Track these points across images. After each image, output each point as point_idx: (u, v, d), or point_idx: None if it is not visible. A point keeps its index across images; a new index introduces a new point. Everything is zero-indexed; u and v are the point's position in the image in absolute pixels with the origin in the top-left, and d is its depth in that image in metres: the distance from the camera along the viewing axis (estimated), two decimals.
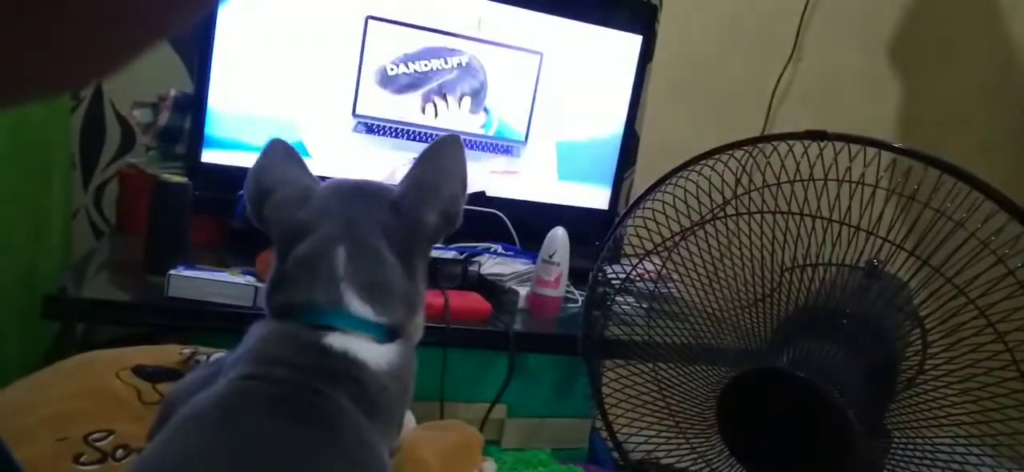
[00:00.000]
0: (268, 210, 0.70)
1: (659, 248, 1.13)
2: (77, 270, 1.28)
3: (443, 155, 0.72)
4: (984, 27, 2.20)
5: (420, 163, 0.72)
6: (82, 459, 0.64)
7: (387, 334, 0.67)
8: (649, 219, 1.15)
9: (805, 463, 0.99)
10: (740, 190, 1.05)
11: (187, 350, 0.84)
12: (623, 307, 1.26)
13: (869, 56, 2.11)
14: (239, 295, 1.16)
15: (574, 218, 1.61)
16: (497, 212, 1.58)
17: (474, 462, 0.73)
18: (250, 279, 1.19)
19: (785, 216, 0.99)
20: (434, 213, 0.70)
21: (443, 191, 0.71)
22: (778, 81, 2.02)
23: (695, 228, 1.08)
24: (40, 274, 1.37)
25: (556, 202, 1.71)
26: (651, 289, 1.22)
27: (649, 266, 1.20)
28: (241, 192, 1.34)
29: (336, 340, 0.63)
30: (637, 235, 1.16)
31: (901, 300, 1.10)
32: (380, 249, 0.67)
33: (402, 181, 0.72)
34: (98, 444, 0.66)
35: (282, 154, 0.74)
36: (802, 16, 2.01)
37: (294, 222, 0.68)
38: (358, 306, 0.65)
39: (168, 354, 0.83)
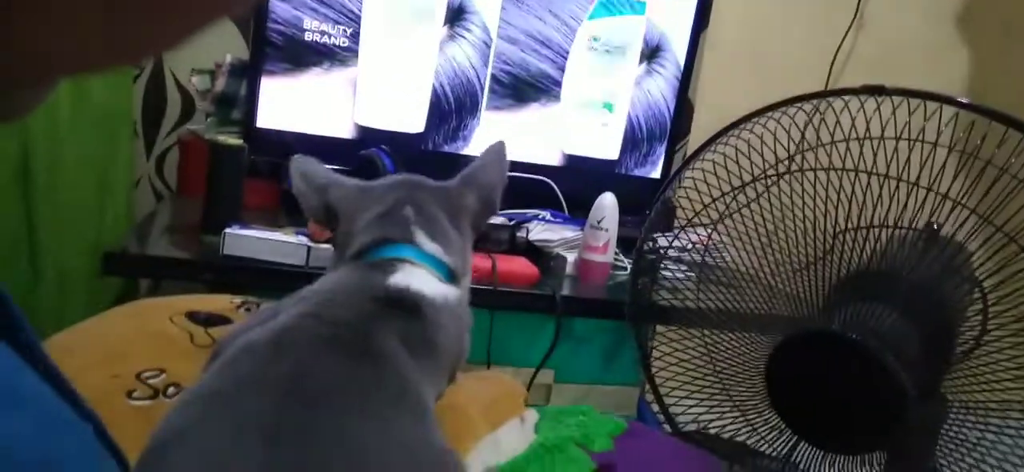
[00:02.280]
0: (333, 197, 0.77)
1: (710, 207, 1.10)
2: (138, 230, 1.32)
3: (487, 154, 0.84)
4: None
5: (471, 165, 0.83)
6: (135, 395, 0.66)
7: (450, 275, 0.73)
8: (700, 181, 1.13)
9: (857, 429, 0.96)
10: (793, 150, 1.03)
11: (239, 299, 0.86)
12: (671, 272, 1.25)
13: (933, 25, 2.03)
14: (292, 254, 1.18)
15: (626, 187, 1.59)
16: (546, 179, 1.58)
17: (515, 412, 0.74)
18: (303, 239, 1.22)
19: (840, 173, 0.97)
20: (474, 196, 0.80)
21: (481, 180, 0.81)
22: (838, 49, 1.96)
23: (746, 188, 1.06)
24: (105, 238, 1.42)
25: (606, 170, 1.70)
26: (700, 255, 1.20)
27: (699, 234, 1.19)
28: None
29: (402, 277, 0.68)
30: (688, 197, 1.15)
31: (961, 264, 1.07)
32: (438, 215, 0.75)
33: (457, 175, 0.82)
34: (150, 381, 0.68)
35: (312, 160, 0.82)
36: None
37: (363, 200, 0.76)
38: (427, 242, 0.72)
39: (221, 302, 0.85)
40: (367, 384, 0.57)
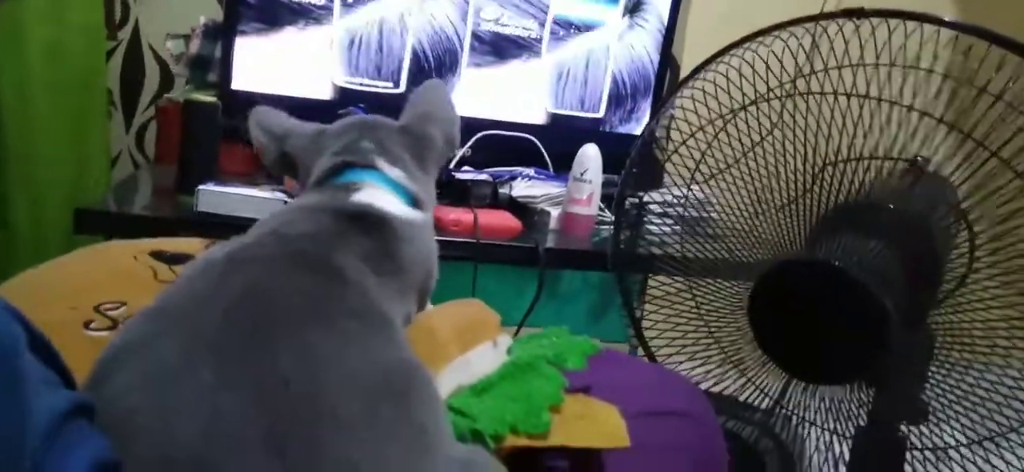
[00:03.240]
0: (290, 145, 0.76)
1: (696, 135, 1.08)
2: (114, 192, 1.30)
3: (431, 92, 0.82)
4: None
5: (412, 102, 0.81)
6: (92, 325, 0.64)
7: (413, 202, 0.71)
8: (681, 119, 1.11)
9: (842, 358, 0.95)
10: (784, 79, 1.01)
11: (209, 241, 0.85)
12: (656, 226, 1.23)
13: None
14: (267, 209, 1.15)
15: (611, 143, 1.57)
16: (530, 136, 1.56)
17: (488, 337, 0.72)
18: (279, 194, 1.20)
19: (832, 98, 0.95)
20: (438, 131, 0.78)
21: (439, 115, 0.79)
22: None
23: (735, 117, 1.04)
24: (82, 201, 1.40)
25: (591, 127, 1.68)
26: (683, 208, 1.18)
27: (681, 190, 1.17)
28: None
29: (364, 195, 0.67)
30: (669, 136, 1.13)
31: (947, 198, 1.05)
32: (399, 150, 0.74)
33: (401, 116, 0.79)
34: (110, 313, 0.66)
35: (273, 111, 0.80)
36: None
37: (320, 141, 0.74)
38: (389, 168, 0.71)
39: (189, 243, 0.83)
40: (326, 298, 0.55)
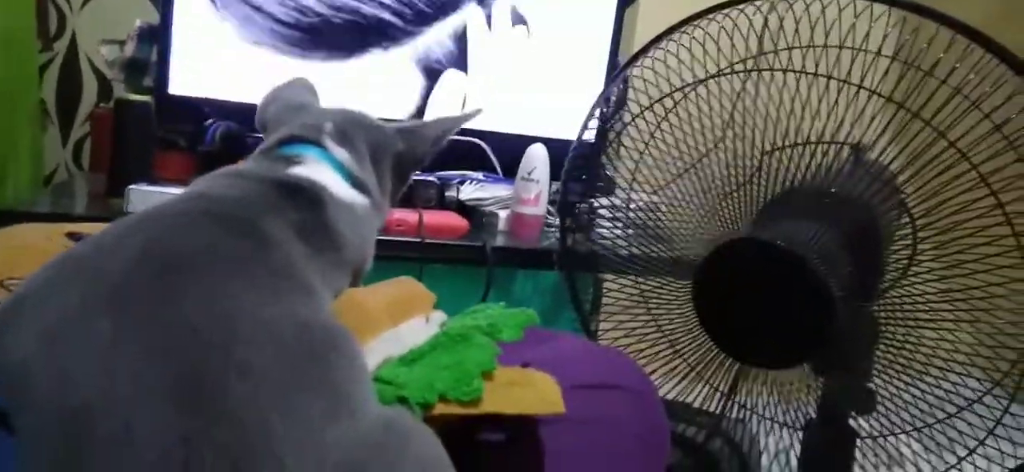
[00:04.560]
0: (269, 111, 0.77)
1: (639, 116, 1.08)
2: (44, 197, 1.25)
3: (442, 120, 0.82)
4: None
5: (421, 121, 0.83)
6: None
7: (354, 183, 0.70)
8: (631, 101, 1.10)
9: (787, 341, 0.94)
10: (709, 69, 1.01)
11: None
12: (607, 230, 1.21)
13: None
14: None
15: (560, 148, 1.56)
16: (478, 141, 1.54)
17: (421, 311, 0.69)
18: None
19: (767, 78, 0.95)
20: (404, 142, 0.78)
21: (420, 131, 0.80)
22: None
23: (668, 109, 1.04)
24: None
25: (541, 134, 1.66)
26: (627, 204, 1.17)
27: (626, 194, 1.16)
28: (210, 121, 1.32)
29: (304, 170, 0.65)
30: (612, 126, 1.12)
31: (889, 183, 1.05)
32: (358, 141, 0.73)
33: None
34: (13, 288, 0.62)
35: (302, 85, 0.82)
36: None
37: (292, 114, 0.74)
38: (336, 148, 0.70)
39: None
40: (246, 255, 0.52)
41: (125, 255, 0.48)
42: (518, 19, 1.59)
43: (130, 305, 0.45)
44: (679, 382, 1.21)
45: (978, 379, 1.00)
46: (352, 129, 0.73)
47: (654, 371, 1.19)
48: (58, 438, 0.40)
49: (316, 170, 0.66)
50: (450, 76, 1.56)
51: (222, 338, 0.44)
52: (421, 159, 0.81)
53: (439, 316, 0.71)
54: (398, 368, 0.60)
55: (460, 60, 1.56)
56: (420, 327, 0.68)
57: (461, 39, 1.56)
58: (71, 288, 0.46)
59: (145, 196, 1.11)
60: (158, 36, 1.38)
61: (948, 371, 1.02)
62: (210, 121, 1.34)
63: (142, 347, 0.43)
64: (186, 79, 1.39)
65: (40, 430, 0.41)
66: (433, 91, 1.55)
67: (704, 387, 1.18)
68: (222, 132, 1.29)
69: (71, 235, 0.75)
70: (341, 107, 0.78)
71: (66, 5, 1.72)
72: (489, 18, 1.57)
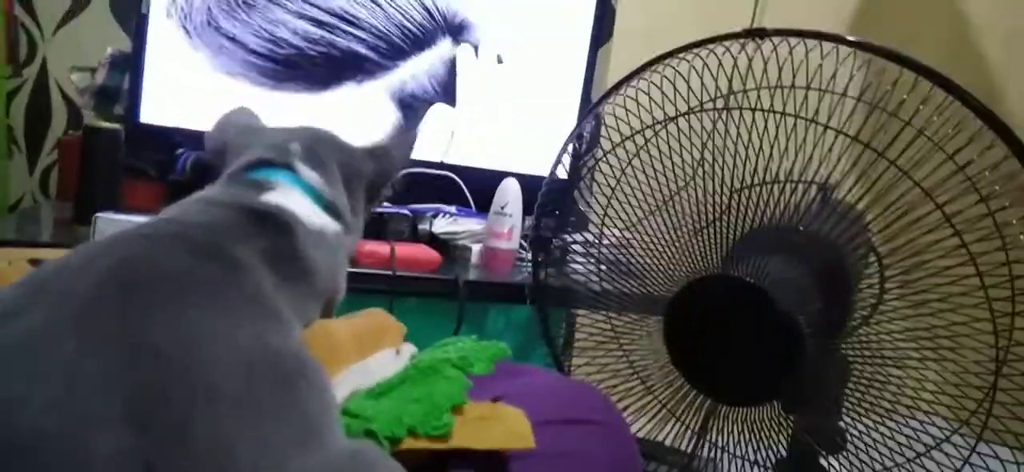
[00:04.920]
0: (228, 135, 0.75)
1: (610, 152, 1.08)
2: (6, 223, 1.23)
3: (398, 135, 0.83)
4: (944, 12, 2.21)
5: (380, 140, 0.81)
6: None
7: (329, 209, 0.69)
8: (603, 136, 1.11)
9: (757, 378, 0.94)
10: (680, 108, 1.02)
11: None
12: (581, 266, 1.22)
13: None
14: None
15: (534, 184, 1.57)
16: (451, 175, 1.54)
17: (391, 343, 0.68)
18: None
19: (735, 117, 0.96)
20: (372, 164, 0.77)
21: (388, 151, 0.79)
22: None
23: (639, 147, 1.04)
24: None
25: (514, 169, 1.67)
26: (597, 238, 1.18)
27: (597, 230, 1.17)
28: (181, 150, 1.31)
29: (275, 196, 0.64)
30: (583, 161, 1.12)
31: (856, 224, 1.07)
32: (328, 161, 0.72)
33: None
34: None
35: (249, 111, 0.81)
36: None
37: (254, 136, 0.73)
38: (307, 171, 0.69)
39: None
40: (214, 280, 0.52)
41: (93, 276, 0.47)
42: (493, 55, 1.60)
43: (96, 325, 0.44)
44: (651, 420, 1.20)
45: (945, 418, 1.01)
46: (321, 149, 0.72)
47: (626, 407, 1.18)
48: (3, 460, 0.39)
49: (286, 196, 0.65)
50: (438, 110, 1.56)
51: (189, 362, 0.44)
52: (391, 178, 0.81)
53: (409, 349, 0.71)
54: (366, 401, 0.60)
55: (437, 94, 1.57)
56: (390, 359, 0.67)
57: (437, 74, 1.56)
58: (35, 308, 0.45)
59: (112, 224, 1.09)
60: (131, 64, 1.37)
61: (915, 409, 1.03)
62: (181, 150, 1.33)
63: (106, 368, 0.42)
64: (157, 108, 1.38)
65: None
66: (418, 126, 1.55)
67: (676, 425, 1.18)
68: (193, 162, 1.28)
69: (33, 261, 0.73)
70: (303, 126, 0.76)
71: (37, 31, 1.70)
72: (470, 51, 1.58)
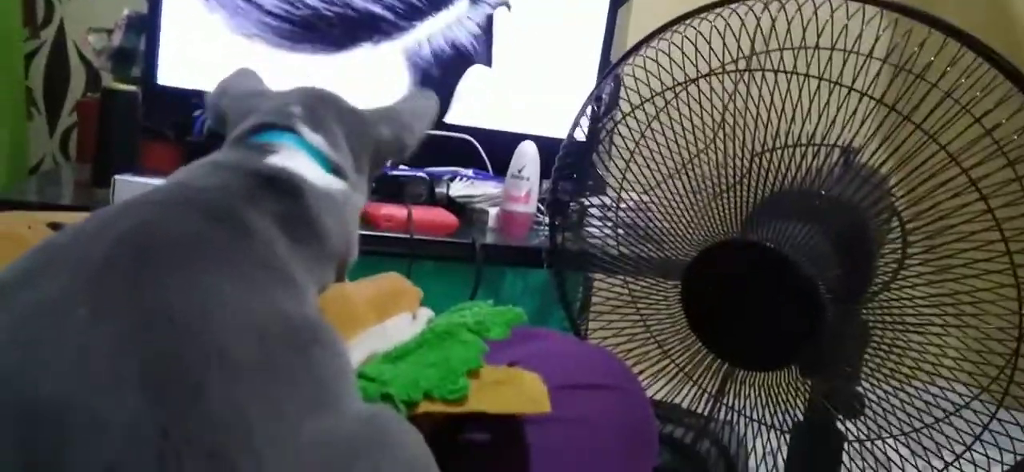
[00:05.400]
0: (226, 101, 0.73)
1: (629, 115, 1.07)
2: (27, 185, 1.24)
3: (417, 97, 0.81)
4: None
5: (397, 101, 0.79)
6: None
7: (332, 169, 0.67)
8: (623, 98, 1.10)
9: (776, 342, 0.93)
10: (701, 69, 1.00)
11: None
12: (598, 229, 1.21)
13: None
14: None
15: (551, 147, 1.56)
16: (469, 138, 1.53)
17: (407, 307, 0.68)
18: None
19: (757, 79, 0.94)
20: (387, 128, 0.75)
21: (401, 114, 0.77)
22: None
23: (658, 109, 1.03)
24: None
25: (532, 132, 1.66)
26: (615, 202, 1.17)
27: (616, 195, 1.16)
28: (198, 112, 1.30)
29: (279, 158, 0.63)
30: (602, 123, 1.11)
31: (879, 187, 1.05)
32: (332, 124, 0.70)
33: None
34: None
35: (252, 73, 0.79)
36: None
37: (255, 101, 0.71)
38: (310, 134, 0.67)
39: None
40: (228, 244, 0.52)
41: (106, 243, 0.47)
42: (510, 16, 1.58)
43: (110, 292, 0.44)
44: (667, 383, 1.20)
45: (965, 384, 1.00)
46: (323, 109, 0.71)
47: (642, 371, 1.18)
48: (22, 427, 0.39)
49: (292, 158, 0.64)
50: (476, 71, 1.55)
51: (202, 327, 0.44)
52: (404, 146, 0.78)
53: (426, 313, 0.70)
54: (383, 365, 0.60)
55: (452, 57, 1.56)
56: (406, 324, 0.67)
57: (454, 35, 1.55)
58: (50, 276, 0.45)
59: (130, 186, 1.10)
60: (147, 25, 1.36)
61: (936, 375, 1.02)
62: (199, 112, 1.33)
63: (119, 334, 0.42)
64: (174, 70, 1.38)
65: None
66: (457, 85, 1.55)
67: (692, 388, 1.18)
68: (210, 124, 1.27)
69: (53, 225, 0.74)
70: (303, 87, 0.74)
71: None
72: (486, 11, 1.56)
